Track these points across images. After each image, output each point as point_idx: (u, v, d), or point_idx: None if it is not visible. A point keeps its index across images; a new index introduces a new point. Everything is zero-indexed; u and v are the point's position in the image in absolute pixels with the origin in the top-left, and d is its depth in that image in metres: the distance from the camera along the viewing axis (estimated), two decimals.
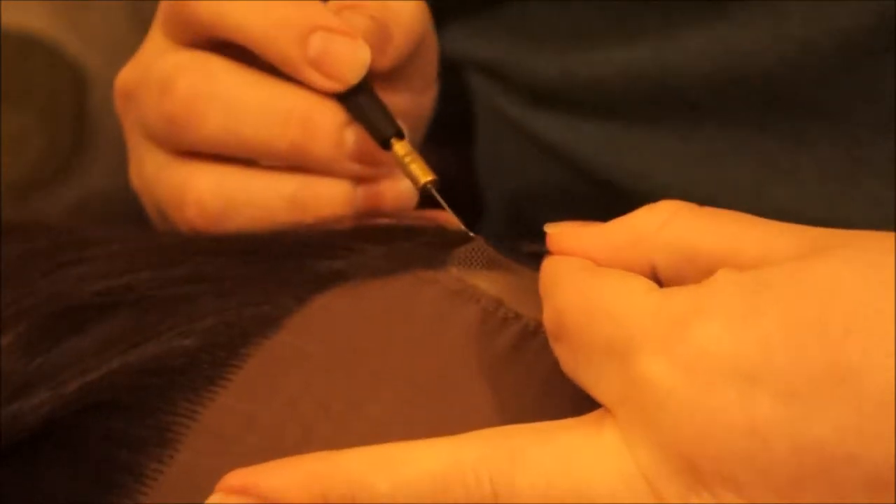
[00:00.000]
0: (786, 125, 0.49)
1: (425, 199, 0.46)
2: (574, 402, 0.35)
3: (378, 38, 0.46)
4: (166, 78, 0.46)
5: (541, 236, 0.40)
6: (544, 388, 0.39)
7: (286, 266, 0.43)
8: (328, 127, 0.46)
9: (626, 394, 0.33)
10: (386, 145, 0.46)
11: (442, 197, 0.45)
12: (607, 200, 0.53)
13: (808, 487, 0.31)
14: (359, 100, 0.46)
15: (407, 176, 0.45)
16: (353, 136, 0.46)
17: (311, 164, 0.46)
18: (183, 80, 0.46)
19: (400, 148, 0.45)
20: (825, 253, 0.32)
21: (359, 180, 0.47)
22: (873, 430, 0.30)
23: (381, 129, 0.46)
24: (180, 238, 0.46)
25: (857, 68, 0.47)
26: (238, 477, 0.34)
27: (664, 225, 0.36)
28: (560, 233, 0.38)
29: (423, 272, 0.42)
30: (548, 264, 0.38)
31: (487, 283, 0.42)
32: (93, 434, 0.40)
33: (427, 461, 0.33)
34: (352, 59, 0.45)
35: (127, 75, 0.49)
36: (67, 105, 0.75)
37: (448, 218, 0.45)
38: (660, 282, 0.36)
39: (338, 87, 0.45)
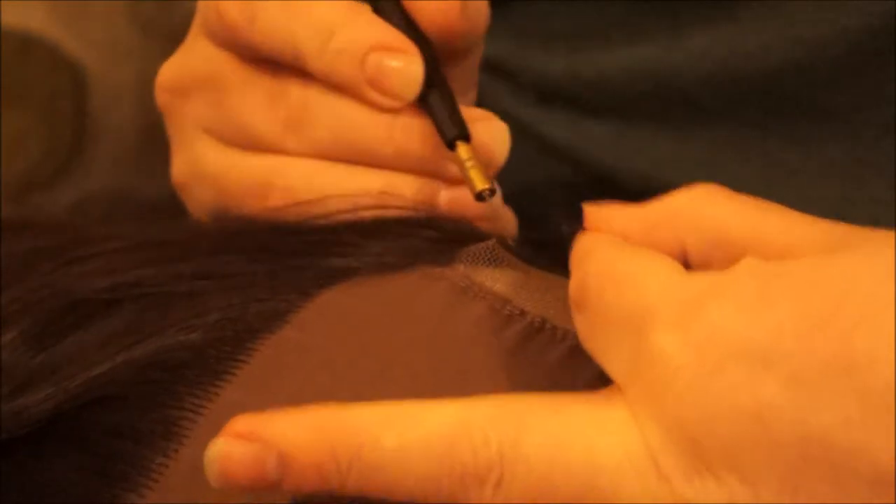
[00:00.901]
0: (791, 126, 0.49)
1: None
2: None
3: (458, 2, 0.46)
4: (266, 83, 0.47)
5: (545, 236, 0.40)
6: (549, 384, 0.39)
7: (292, 262, 0.43)
8: (430, 131, 0.46)
9: (636, 368, 0.33)
10: (451, 146, 0.46)
11: None
12: (612, 199, 0.53)
13: (810, 476, 0.30)
14: (434, 97, 0.46)
15: (465, 179, 0.45)
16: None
17: (413, 169, 0.46)
18: (296, 86, 0.46)
19: (463, 151, 0.45)
20: (845, 250, 0.33)
21: (446, 182, 0.47)
22: (877, 423, 0.30)
23: (447, 129, 0.46)
24: (185, 235, 0.46)
25: (863, 70, 0.47)
26: (244, 422, 0.34)
27: (698, 207, 0.37)
28: (597, 210, 0.39)
29: (430, 268, 0.42)
30: (581, 238, 0.38)
31: (494, 281, 0.42)
32: (98, 428, 0.39)
33: (436, 420, 0.33)
34: (406, 77, 0.46)
35: (177, 73, 0.50)
36: (67, 105, 0.75)
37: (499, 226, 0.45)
38: (688, 265, 0.37)
39: (396, 104, 0.46)
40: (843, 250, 0.33)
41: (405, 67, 0.46)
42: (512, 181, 0.58)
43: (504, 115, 0.57)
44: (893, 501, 0.30)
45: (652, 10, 0.50)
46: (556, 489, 0.32)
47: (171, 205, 0.52)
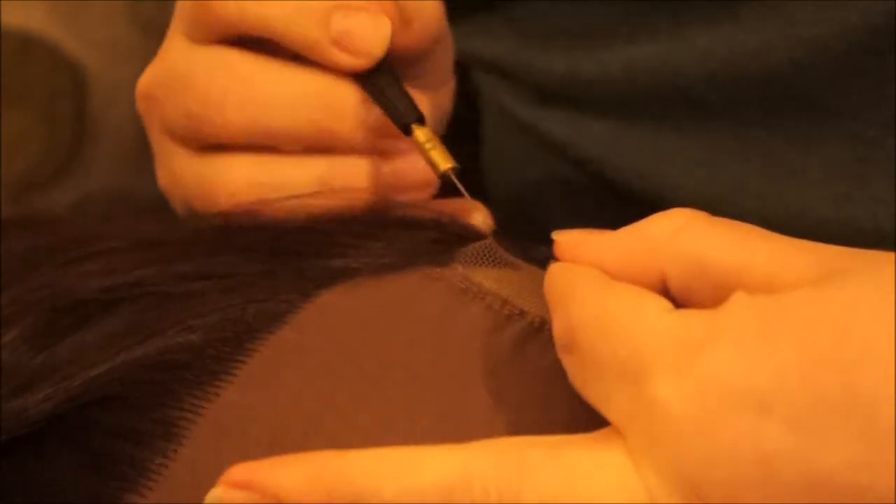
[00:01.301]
0: (793, 125, 0.49)
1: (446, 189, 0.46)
2: (577, 399, 0.35)
3: (399, 17, 0.46)
4: (185, 75, 0.47)
5: (546, 235, 0.40)
6: (547, 384, 0.39)
7: (291, 262, 0.42)
8: (351, 106, 0.45)
9: (635, 415, 0.32)
10: (407, 131, 0.45)
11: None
12: (612, 199, 0.53)
13: None
14: (381, 84, 0.46)
15: (427, 162, 0.45)
16: (375, 111, 0.46)
17: (337, 145, 0.46)
18: (202, 75, 0.46)
19: (421, 134, 0.45)
20: (840, 279, 0.32)
21: (385, 157, 0.46)
22: (884, 461, 0.30)
23: (402, 115, 0.45)
24: (185, 234, 0.46)
25: (865, 68, 0.47)
26: (242, 471, 0.34)
27: (677, 233, 0.36)
28: (569, 240, 0.38)
29: (429, 269, 0.42)
30: (556, 272, 0.38)
31: (492, 281, 0.42)
32: (97, 428, 0.39)
33: (435, 469, 0.33)
34: (374, 34, 0.45)
35: (147, 78, 0.49)
36: (67, 105, 0.75)
37: (467, 206, 0.45)
38: (670, 292, 0.36)
39: (363, 63, 0.45)
40: (837, 280, 0.32)
41: (374, 26, 0.45)
42: (512, 179, 0.58)
43: (504, 114, 0.57)
44: None
45: (652, 9, 0.50)
46: None
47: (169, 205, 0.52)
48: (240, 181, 0.46)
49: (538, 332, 0.40)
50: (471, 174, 0.46)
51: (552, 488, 0.32)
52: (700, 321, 0.33)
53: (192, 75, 0.46)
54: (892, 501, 0.30)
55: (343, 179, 0.46)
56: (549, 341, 0.39)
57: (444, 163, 0.45)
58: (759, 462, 0.30)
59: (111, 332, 0.41)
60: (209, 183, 0.47)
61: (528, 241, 0.44)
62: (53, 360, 0.40)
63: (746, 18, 0.48)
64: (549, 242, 0.39)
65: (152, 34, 0.71)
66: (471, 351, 0.40)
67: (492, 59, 0.56)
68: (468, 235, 0.44)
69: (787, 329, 0.31)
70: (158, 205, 0.52)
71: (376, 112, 0.46)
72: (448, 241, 0.43)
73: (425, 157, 0.45)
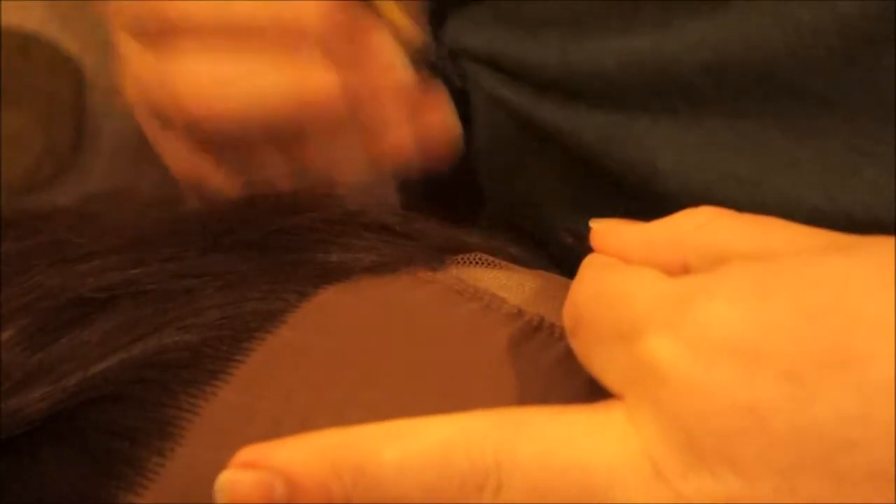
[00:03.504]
0: (787, 114, 0.49)
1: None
2: (575, 398, 0.35)
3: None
4: None
5: (539, 222, 0.40)
6: (545, 383, 0.39)
7: (288, 261, 0.43)
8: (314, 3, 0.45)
9: (632, 374, 0.33)
10: None
11: (441, 181, 0.45)
12: (607, 186, 0.52)
13: (807, 471, 0.30)
14: None
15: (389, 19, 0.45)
16: (339, 12, 0.45)
17: (303, 45, 0.46)
18: None
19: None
20: (844, 248, 0.32)
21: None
22: (875, 417, 0.30)
23: None
24: (181, 231, 0.46)
25: (859, 56, 0.46)
26: (250, 452, 0.34)
27: (701, 227, 0.36)
28: (603, 229, 0.39)
29: (424, 272, 0.42)
30: (583, 263, 0.38)
31: (487, 282, 0.42)
32: (94, 427, 0.39)
33: (434, 432, 0.33)
34: None
35: None
36: (67, 105, 0.75)
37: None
38: None
39: None
40: (838, 250, 0.32)
41: None
42: (505, 166, 0.58)
43: (498, 104, 0.56)
44: (894, 498, 0.30)
45: None
46: (554, 491, 0.32)
47: (169, 202, 0.52)
48: (205, 77, 0.46)
49: (536, 330, 0.40)
50: (462, 163, 0.46)
51: (546, 444, 0.33)
52: (693, 279, 0.33)
53: None
54: (884, 458, 0.30)
55: (315, 86, 0.46)
56: (549, 339, 0.40)
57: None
58: (750, 411, 0.31)
59: (108, 330, 0.41)
60: (173, 81, 0.46)
61: (518, 242, 0.44)
62: (50, 358, 0.40)
63: (740, 6, 0.48)
64: (546, 234, 0.40)
65: None
66: (468, 349, 0.40)
67: (483, 51, 0.56)
68: (458, 247, 0.44)
69: (783, 285, 0.32)
70: (158, 203, 0.52)
71: (340, 12, 0.45)
72: (439, 249, 0.44)
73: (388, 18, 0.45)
